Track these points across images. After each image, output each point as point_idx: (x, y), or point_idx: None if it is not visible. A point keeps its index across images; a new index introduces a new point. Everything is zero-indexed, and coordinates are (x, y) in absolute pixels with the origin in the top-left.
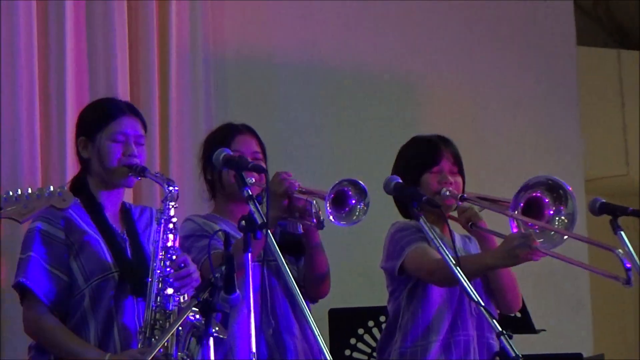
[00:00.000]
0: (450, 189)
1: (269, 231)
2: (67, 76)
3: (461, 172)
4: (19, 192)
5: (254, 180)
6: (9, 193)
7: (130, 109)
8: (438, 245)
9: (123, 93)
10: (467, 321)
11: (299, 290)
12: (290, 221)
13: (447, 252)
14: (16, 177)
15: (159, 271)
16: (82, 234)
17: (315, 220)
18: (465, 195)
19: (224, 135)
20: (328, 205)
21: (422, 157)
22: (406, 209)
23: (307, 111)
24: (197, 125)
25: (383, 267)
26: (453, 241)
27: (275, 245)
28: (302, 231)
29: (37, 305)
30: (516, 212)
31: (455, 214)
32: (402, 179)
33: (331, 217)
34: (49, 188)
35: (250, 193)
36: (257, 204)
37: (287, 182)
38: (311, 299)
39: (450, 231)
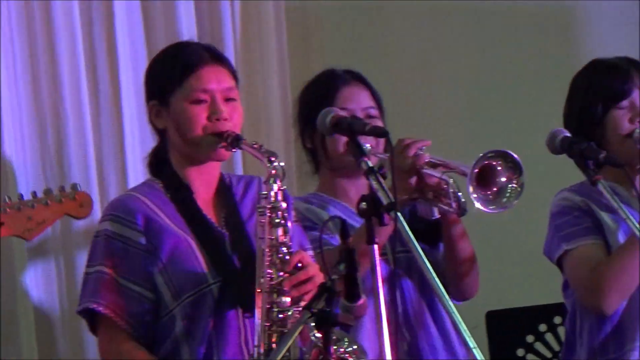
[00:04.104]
0: None
1: (398, 214)
2: (116, 24)
3: None
4: (21, 198)
5: (369, 147)
6: (5, 200)
7: (212, 55)
8: (626, 217)
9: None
10: None
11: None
12: (421, 203)
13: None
14: (61, 170)
15: (268, 278)
16: (166, 235)
17: (455, 204)
18: None
19: (325, 87)
20: (471, 185)
21: (604, 88)
22: (586, 166)
23: (428, 58)
24: (271, 84)
25: (544, 252)
26: None
27: (409, 232)
28: (437, 216)
29: (116, 334)
30: None
31: None
32: (580, 120)
33: (477, 201)
34: (63, 189)
35: (371, 165)
36: (381, 179)
37: (413, 151)
38: (454, 297)
39: None
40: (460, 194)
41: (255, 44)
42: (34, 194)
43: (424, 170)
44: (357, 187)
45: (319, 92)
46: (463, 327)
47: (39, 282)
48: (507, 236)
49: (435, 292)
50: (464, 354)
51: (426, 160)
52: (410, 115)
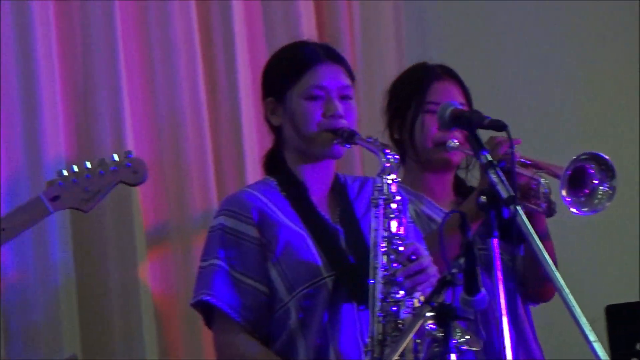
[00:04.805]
0: None
1: (518, 208)
2: (234, 24)
3: None
4: (75, 169)
5: (457, 143)
6: (62, 174)
7: (328, 54)
8: None
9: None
10: None
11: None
12: None
13: None
14: (179, 168)
15: (382, 269)
16: (281, 229)
17: (544, 205)
18: None
19: (417, 80)
20: (564, 188)
21: None
22: None
23: (534, 56)
24: (385, 76)
25: None
26: None
27: (529, 225)
28: None
29: (231, 327)
30: None
31: None
32: None
33: (570, 205)
34: (113, 158)
35: (490, 159)
36: (501, 173)
37: (503, 150)
38: (533, 299)
39: None
40: (550, 194)
41: (374, 44)
42: (86, 164)
43: (515, 169)
44: (443, 182)
45: (411, 85)
46: (583, 320)
47: (157, 275)
48: (627, 230)
49: (555, 285)
50: (540, 355)
51: (517, 159)
52: (517, 111)
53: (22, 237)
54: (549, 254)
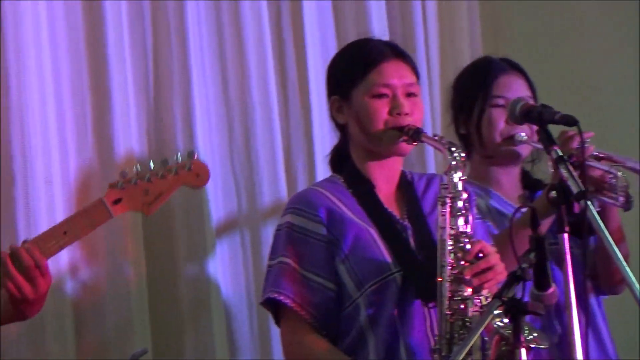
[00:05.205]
0: None
1: (589, 203)
2: (304, 19)
3: None
4: (137, 169)
5: (525, 137)
6: (124, 175)
7: (393, 51)
8: None
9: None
10: None
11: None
12: None
13: None
14: (249, 164)
15: (449, 267)
16: (348, 226)
17: (622, 198)
18: None
19: (482, 74)
20: None
21: None
22: None
23: (608, 53)
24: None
25: None
26: None
27: (599, 221)
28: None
29: (300, 325)
30: None
31: None
32: None
33: None
34: (176, 159)
35: (561, 154)
36: (572, 168)
37: (575, 143)
38: (604, 291)
39: None
40: (629, 187)
41: (448, 43)
42: (149, 166)
43: (588, 163)
44: (510, 175)
45: (476, 79)
46: None
47: (226, 270)
48: None
49: (626, 281)
50: (613, 349)
51: (590, 153)
52: (592, 108)
53: (93, 233)
54: (620, 249)
